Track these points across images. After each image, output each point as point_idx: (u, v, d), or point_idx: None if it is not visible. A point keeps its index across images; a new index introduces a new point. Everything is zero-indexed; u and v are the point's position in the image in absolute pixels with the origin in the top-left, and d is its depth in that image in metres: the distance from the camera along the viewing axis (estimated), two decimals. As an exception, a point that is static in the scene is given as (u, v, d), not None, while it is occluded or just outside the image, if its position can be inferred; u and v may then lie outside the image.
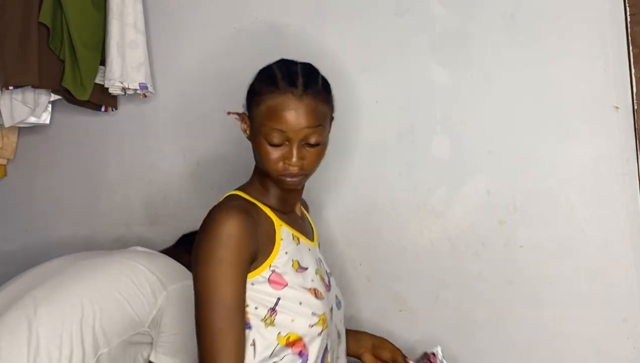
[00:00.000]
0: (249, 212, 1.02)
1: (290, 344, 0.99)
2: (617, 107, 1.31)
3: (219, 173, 1.65)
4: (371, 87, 1.51)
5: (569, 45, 1.35)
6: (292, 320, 1.00)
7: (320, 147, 1.06)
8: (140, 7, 1.67)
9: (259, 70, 1.13)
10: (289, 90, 1.03)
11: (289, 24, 1.60)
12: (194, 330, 1.24)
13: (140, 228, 1.73)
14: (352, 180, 1.51)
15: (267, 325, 0.99)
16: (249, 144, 1.71)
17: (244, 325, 0.99)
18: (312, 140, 1.04)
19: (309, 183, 1.56)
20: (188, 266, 1.39)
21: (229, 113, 1.19)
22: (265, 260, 1.01)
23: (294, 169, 1.04)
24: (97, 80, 1.68)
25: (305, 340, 1.00)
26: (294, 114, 1.02)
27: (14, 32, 1.61)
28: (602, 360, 1.30)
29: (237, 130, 1.64)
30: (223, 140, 1.65)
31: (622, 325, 1.28)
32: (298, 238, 1.10)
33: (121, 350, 1.21)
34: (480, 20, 1.42)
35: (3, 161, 1.89)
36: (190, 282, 1.26)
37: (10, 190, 1.92)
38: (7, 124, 1.70)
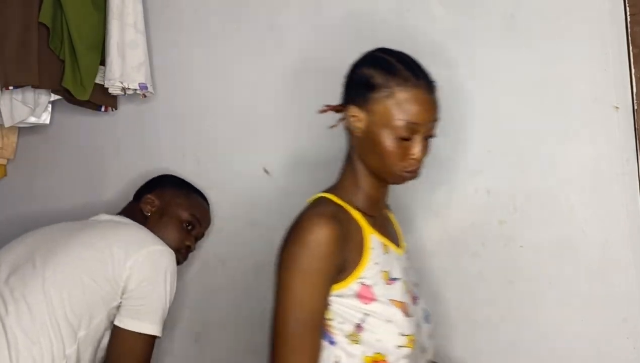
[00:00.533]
0: (340, 220, 0.98)
1: None
2: (617, 107, 1.31)
3: (219, 173, 1.65)
4: (371, 87, 1.51)
5: (569, 45, 1.35)
6: (379, 340, 0.95)
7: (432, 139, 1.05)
8: (140, 7, 1.67)
9: (369, 61, 1.11)
10: (419, 83, 1.02)
11: (289, 24, 1.60)
12: (160, 295, 1.27)
13: (140, 228, 1.72)
14: (352, 180, 1.51)
15: (352, 342, 0.95)
16: (249, 144, 1.71)
17: (321, 338, 0.95)
18: (434, 133, 1.04)
19: (309, 184, 1.56)
20: (142, 212, 1.45)
21: (325, 110, 1.13)
22: (354, 271, 0.97)
23: (417, 163, 1.02)
24: (97, 80, 1.68)
25: (390, 359, 0.95)
26: (426, 107, 1.01)
27: (14, 32, 1.60)
28: (602, 360, 1.29)
29: (237, 130, 1.65)
30: (223, 140, 1.65)
31: (622, 325, 1.28)
32: (387, 247, 1.06)
33: (98, 325, 1.24)
34: (480, 20, 1.42)
35: (3, 161, 1.89)
36: (152, 248, 1.30)
37: (10, 190, 1.92)
38: (7, 124, 1.70)
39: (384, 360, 0.95)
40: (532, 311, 1.35)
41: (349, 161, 1.11)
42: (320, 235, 0.94)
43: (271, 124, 1.61)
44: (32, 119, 1.75)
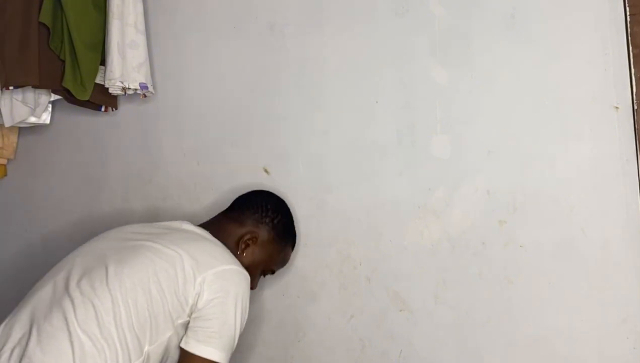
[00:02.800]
0: None
1: None
2: (617, 107, 1.31)
3: (220, 173, 1.65)
4: (371, 87, 1.51)
5: (569, 45, 1.35)
6: None
7: None
8: (140, 7, 1.67)
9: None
10: None
11: (289, 24, 1.61)
12: (228, 318, 1.21)
13: (140, 228, 1.72)
14: (352, 180, 1.51)
15: None
16: (248, 144, 1.72)
17: None
18: None
19: (309, 184, 1.56)
20: (237, 238, 1.36)
21: None
22: None
23: None
24: (97, 80, 1.68)
25: None
26: None
27: (14, 32, 1.60)
28: (602, 360, 1.29)
29: (236, 130, 1.65)
30: (223, 140, 1.66)
31: (622, 325, 1.28)
32: None
33: (167, 342, 1.18)
34: (480, 20, 1.42)
35: (3, 161, 1.89)
36: (228, 267, 1.24)
37: (10, 190, 1.92)
38: (7, 124, 1.70)
39: None
40: (532, 311, 1.35)
41: None
42: None
43: (271, 123, 1.61)
44: (32, 119, 1.75)
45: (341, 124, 1.54)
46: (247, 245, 1.36)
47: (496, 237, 1.38)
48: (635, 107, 1.30)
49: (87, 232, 1.78)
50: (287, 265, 1.53)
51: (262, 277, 1.45)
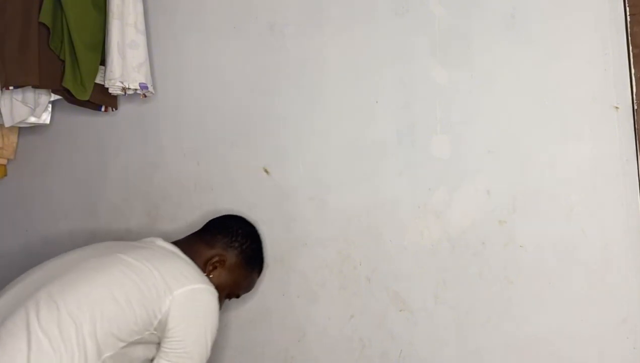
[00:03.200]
0: None
1: None
2: (617, 107, 1.31)
3: (219, 173, 1.65)
4: (371, 87, 1.51)
5: (569, 45, 1.35)
6: None
7: None
8: (140, 7, 1.66)
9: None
10: None
11: (289, 24, 1.60)
12: (199, 335, 1.23)
13: (140, 227, 1.73)
14: (352, 180, 1.51)
15: None
16: (248, 144, 1.72)
17: None
18: None
19: (309, 184, 1.56)
20: (205, 259, 1.37)
21: None
22: None
23: None
24: (97, 80, 1.68)
25: None
26: None
27: (14, 32, 1.60)
28: (602, 360, 1.29)
29: (236, 130, 1.65)
30: (223, 140, 1.66)
31: (622, 325, 1.28)
32: None
33: (128, 350, 1.19)
34: (480, 20, 1.42)
35: (3, 161, 1.89)
36: (198, 286, 1.25)
37: (10, 190, 1.92)
38: (7, 124, 1.70)
39: None
40: (532, 311, 1.35)
41: None
42: None
43: (271, 123, 1.61)
44: (32, 119, 1.74)
45: (341, 124, 1.54)
46: (215, 267, 1.39)
47: (496, 237, 1.38)
48: (635, 107, 1.30)
49: (87, 232, 1.79)
50: (287, 265, 1.53)
51: (227, 300, 1.47)
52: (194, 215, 1.66)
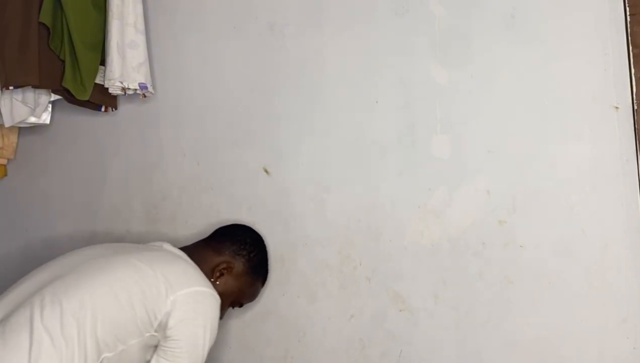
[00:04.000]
0: None
1: None
2: (617, 107, 1.31)
3: (219, 173, 1.65)
4: (371, 87, 1.51)
5: (569, 45, 1.35)
6: None
7: None
8: (140, 7, 1.66)
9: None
10: None
11: (289, 24, 1.60)
12: (197, 337, 1.23)
13: (140, 228, 1.73)
14: (352, 180, 1.51)
15: None
16: (248, 144, 1.72)
17: None
18: None
19: (309, 183, 1.56)
20: (212, 265, 1.38)
21: None
22: None
23: None
24: (97, 80, 1.68)
25: None
26: None
27: (14, 32, 1.60)
28: (602, 360, 1.29)
29: (236, 130, 1.65)
30: (223, 140, 1.65)
31: (622, 325, 1.28)
32: None
33: (127, 352, 1.20)
34: (480, 20, 1.42)
35: (3, 161, 1.89)
36: (200, 288, 1.26)
37: (10, 190, 1.92)
38: (7, 124, 1.69)
39: None
40: (532, 311, 1.35)
41: None
42: None
43: (271, 123, 1.61)
44: (32, 119, 1.74)
45: (341, 124, 1.54)
46: (222, 274, 1.39)
47: (496, 237, 1.38)
48: (635, 107, 1.30)
49: (87, 232, 1.79)
50: (287, 265, 1.53)
51: (230, 308, 1.47)
52: (194, 215, 1.66)
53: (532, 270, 1.35)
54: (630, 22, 1.31)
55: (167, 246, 1.38)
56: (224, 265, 1.40)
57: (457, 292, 1.41)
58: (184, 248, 1.40)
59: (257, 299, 1.54)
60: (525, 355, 1.35)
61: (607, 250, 1.30)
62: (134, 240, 1.71)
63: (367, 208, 1.49)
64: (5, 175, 1.92)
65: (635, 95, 1.30)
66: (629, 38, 1.31)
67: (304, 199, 1.56)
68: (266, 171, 1.60)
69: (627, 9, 1.31)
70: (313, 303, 1.53)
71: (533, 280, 1.35)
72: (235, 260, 1.42)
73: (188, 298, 1.23)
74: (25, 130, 1.88)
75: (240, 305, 1.49)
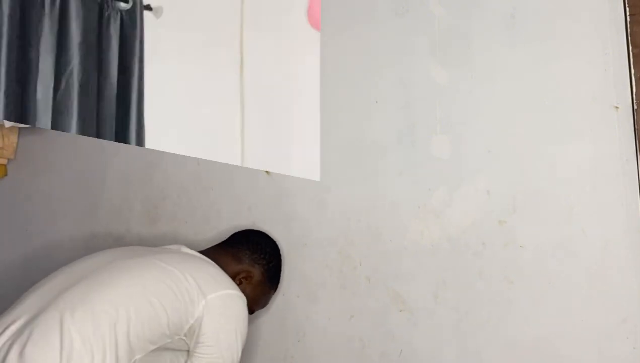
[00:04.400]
0: None
1: None
2: (617, 107, 1.31)
3: (219, 173, 1.65)
4: (371, 87, 1.51)
5: (569, 45, 1.35)
6: None
7: None
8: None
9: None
10: None
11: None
12: (230, 343, 1.24)
13: (140, 228, 1.73)
14: (352, 180, 1.51)
15: None
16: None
17: None
18: None
19: (309, 183, 1.56)
20: (233, 273, 1.37)
21: None
22: None
23: None
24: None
25: None
26: None
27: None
28: (602, 360, 1.29)
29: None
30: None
31: (622, 325, 1.28)
32: None
33: (156, 355, 1.19)
34: (480, 20, 1.42)
35: (3, 161, 1.89)
36: (230, 292, 1.26)
37: (10, 190, 1.92)
38: (7, 123, 1.70)
39: None
40: (532, 311, 1.35)
41: None
42: None
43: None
44: (32, 119, 1.74)
45: (341, 124, 1.54)
46: (241, 283, 1.39)
47: (496, 237, 1.38)
48: (635, 107, 1.30)
49: (87, 232, 1.78)
50: (287, 265, 1.53)
51: None
52: (194, 215, 1.66)
53: (532, 270, 1.35)
54: (630, 22, 1.31)
55: (186, 249, 1.38)
56: (244, 274, 1.41)
57: (457, 292, 1.41)
58: (203, 252, 1.40)
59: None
60: (525, 355, 1.35)
61: (607, 250, 1.30)
62: (134, 240, 1.71)
63: (367, 208, 1.49)
64: (5, 175, 1.92)
65: (635, 95, 1.30)
66: (629, 38, 1.31)
67: (304, 199, 1.56)
68: (266, 171, 1.60)
69: (627, 9, 1.31)
70: (313, 303, 1.53)
71: (533, 280, 1.35)
72: (255, 269, 1.43)
73: (219, 302, 1.24)
74: (25, 130, 1.88)
75: (252, 312, 1.48)
